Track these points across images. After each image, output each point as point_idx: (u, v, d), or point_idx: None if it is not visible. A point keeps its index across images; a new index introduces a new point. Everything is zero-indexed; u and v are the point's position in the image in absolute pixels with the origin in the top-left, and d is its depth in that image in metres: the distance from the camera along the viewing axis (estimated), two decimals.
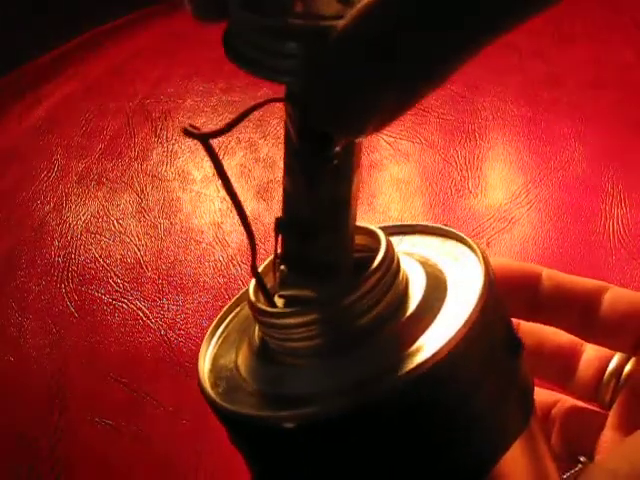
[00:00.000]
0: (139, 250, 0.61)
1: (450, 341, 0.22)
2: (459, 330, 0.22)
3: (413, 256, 0.27)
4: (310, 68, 0.19)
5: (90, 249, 0.61)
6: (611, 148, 0.62)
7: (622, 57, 0.70)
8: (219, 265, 0.59)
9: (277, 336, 0.24)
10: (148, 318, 0.56)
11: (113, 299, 0.58)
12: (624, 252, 0.55)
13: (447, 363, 0.22)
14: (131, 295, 0.58)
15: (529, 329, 0.34)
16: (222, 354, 0.27)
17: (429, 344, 0.23)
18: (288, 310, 0.24)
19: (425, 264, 0.26)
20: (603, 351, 0.33)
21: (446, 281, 0.25)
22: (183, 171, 0.68)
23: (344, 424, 0.22)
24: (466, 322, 0.23)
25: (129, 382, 0.52)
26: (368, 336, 0.24)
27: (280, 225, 0.24)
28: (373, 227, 0.25)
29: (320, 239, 0.24)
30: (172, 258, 0.60)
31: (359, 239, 0.25)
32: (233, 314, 0.29)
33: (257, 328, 0.26)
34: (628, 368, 0.33)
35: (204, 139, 0.22)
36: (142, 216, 0.64)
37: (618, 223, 0.57)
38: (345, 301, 0.23)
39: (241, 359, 0.26)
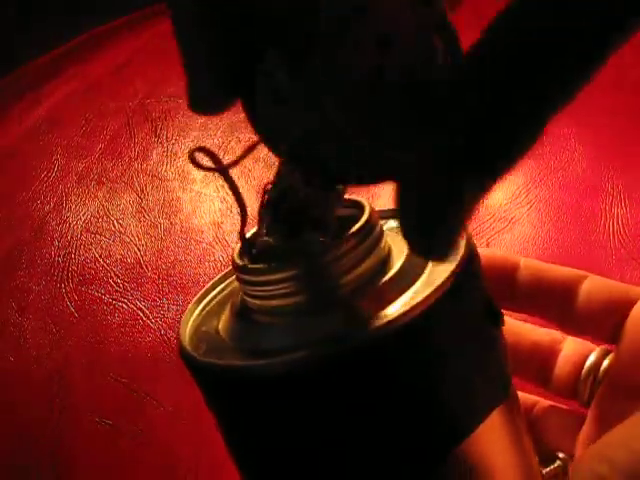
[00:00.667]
0: (139, 250, 0.61)
1: (426, 298, 0.23)
2: (436, 288, 0.23)
3: (399, 232, 0.28)
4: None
5: (90, 249, 0.61)
6: (611, 148, 0.62)
7: (622, 57, 0.70)
8: (219, 265, 0.59)
9: (257, 294, 0.25)
10: (148, 318, 0.56)
11: (113, 299, 0.58)
12: (624, 252, 0.55)
13: (422, 320, 0.23)
14: (131, 295, 0.58)
15: (506, 328, 0.34)
16: (204, 323, 0.27)
17: (405, 304, 0.23)
18: (268, 266, 0.24)
19: None
20: (581, 348, 0.33)
21: None
22: (183, 171, 0.68)
23: (318, 373, 0.22)
24: (443, 283, 0.23)
25: (129, 382, 0.52)
26: (346, 297, 0.24)
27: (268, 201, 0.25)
28: (360, 199, 0.26)
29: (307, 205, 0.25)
30: (172, 258, 0.60)
31: (349, 212, 0.26)
32: (217, 290, 0.29)
33: (241, 294, 0.26)
34: (605, 363, 0.32)
35: (224, 171, 0.24)
36: (142, 216, 0.64)
37: (618, 223, 0.57)
38: (325, 259, 0.24)
39: (222, 324, 0.27)
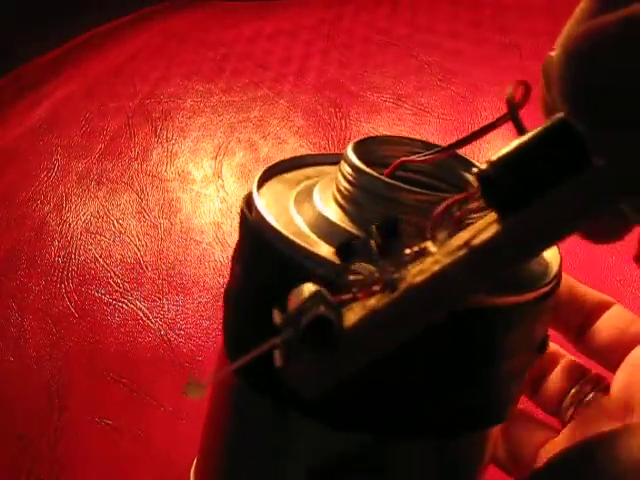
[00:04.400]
0: (139, 250, 0.61)
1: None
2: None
3: None
4: None
5: (90, 249, 0.61)
6: None
7: None
8: (219, 265, 0.59)
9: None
10: (148, 318, 0.56)
11: (113, 299, 0.58)
12: (624, 252, 0.55)
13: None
14: (131, 295, 0.58)
15: None
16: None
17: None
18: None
19: None
20: (575, 370, 0.33)
21: None
22: (183, 171, 0.68)
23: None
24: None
25: (129, 382, 0.52)
26: None
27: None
28: None
29: None
30: (172, 258, 0.60)
31: None
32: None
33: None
34: (591, 396, 0.32)
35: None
36: (142, 216, 0.64)
37: None
38: None
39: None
